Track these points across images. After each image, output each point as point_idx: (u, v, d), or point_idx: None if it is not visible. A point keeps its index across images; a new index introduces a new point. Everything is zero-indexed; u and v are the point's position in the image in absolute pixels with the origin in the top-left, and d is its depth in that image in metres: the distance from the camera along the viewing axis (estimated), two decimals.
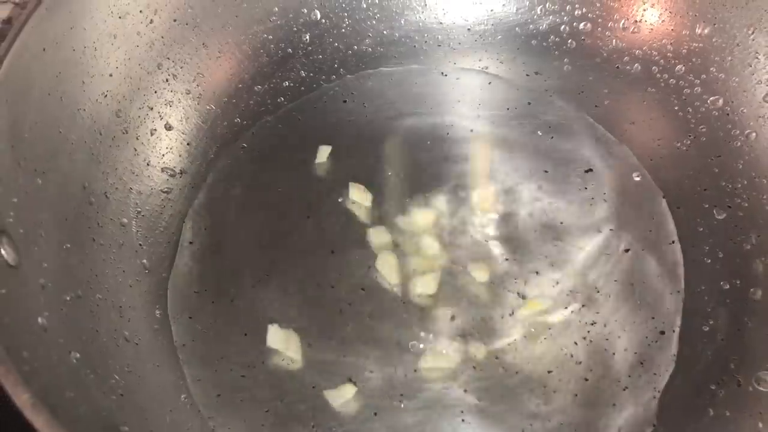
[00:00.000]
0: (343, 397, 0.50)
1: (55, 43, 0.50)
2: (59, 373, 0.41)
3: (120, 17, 0.55)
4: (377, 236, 0.57)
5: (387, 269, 0.55)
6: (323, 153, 0.61)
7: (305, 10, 0.66)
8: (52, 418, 0.32)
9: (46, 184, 0.48)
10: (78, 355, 0.44)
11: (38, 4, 0.48)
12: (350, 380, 0.51)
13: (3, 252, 0.41)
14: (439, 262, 0.56)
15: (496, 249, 0.56)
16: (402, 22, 0.68)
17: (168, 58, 0.60)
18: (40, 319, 0.42)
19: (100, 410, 0.43)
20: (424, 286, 0.54)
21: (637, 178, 0.60)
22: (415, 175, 0.61)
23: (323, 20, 0.67)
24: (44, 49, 0.49)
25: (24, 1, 0.66)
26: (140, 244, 0.56)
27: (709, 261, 0.55)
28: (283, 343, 0.52)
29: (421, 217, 0.58)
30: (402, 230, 0.58)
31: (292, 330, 0.53)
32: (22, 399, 0.32)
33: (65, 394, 0.40)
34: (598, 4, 0.66)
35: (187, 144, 0.61)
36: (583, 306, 0.54)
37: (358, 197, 0.59)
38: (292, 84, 0.66)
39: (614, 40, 0.65)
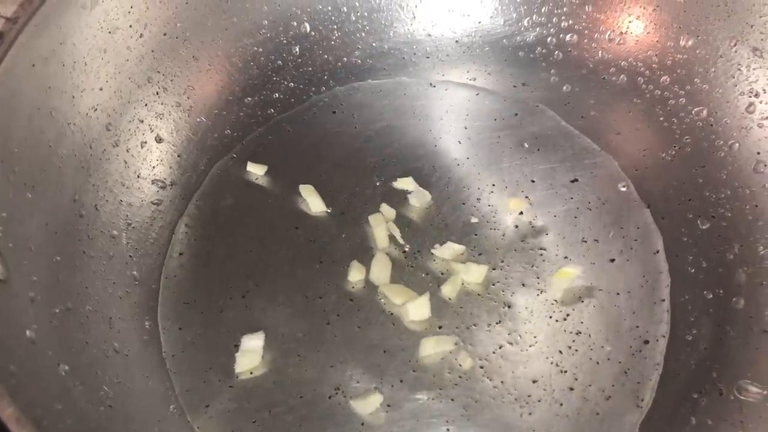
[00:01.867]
0: (371, 406, 0.50)
1: (45, 58, 0.50)
2: (47, 386, 0.42)
3: (110, 32, 0.56)
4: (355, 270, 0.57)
5: (379, 270, 0.56)
6: (256, 168, 0.62)
7: (295, 23, 0.67)
8: (37, 431, 0.32)
9: (36, 197, 0.49)
10: (67, 367, 0.45)
11: (28, 19, 0.49)
12: (376, 389, 0.51)
13: None
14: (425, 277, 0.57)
15: (482, 259, 0.57)
16: (391, 34, 0.69)
17: (158, 72, 0.61)
18: (28, 332, 0.43)
19: (89, 422, 0.44)
20: (416, 312, 0.54)
21: (623, 189, 0.61)
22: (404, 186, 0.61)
23: (313, 33, 0.68)
24: (34, 65, 0.49)
25: (15, 17, 0.67)
26: (130, 256, 0.56)
27: (693, 271, 0.55)
28: (249, 346, 0.53)
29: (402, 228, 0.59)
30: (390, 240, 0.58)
31: (261, 355, 0.53)
32: (6, 413, 0.32)
33: (53, 406, 0.40)
34: (584, 16, 0.66)
35: (178, 156, 0.62)
36: (568, 315, 0.54)
37: (311, 200, 0.60)
38: (281, 96, 0.67)
39: (600, 52, 0.66)
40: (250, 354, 0.53)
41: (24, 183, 0.48)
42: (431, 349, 0.52)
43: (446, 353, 0.53)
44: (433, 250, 0.57)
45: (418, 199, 0.60)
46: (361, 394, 0.51)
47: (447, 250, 0.57)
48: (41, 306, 0.46)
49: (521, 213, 0.59)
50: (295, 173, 0.62)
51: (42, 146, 0.50)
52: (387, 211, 0.59)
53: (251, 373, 0.52)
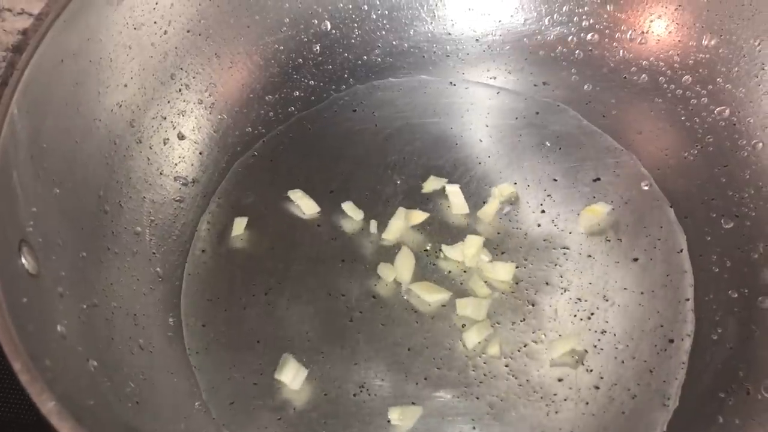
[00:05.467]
0: (408, 418, 0.50)
1: (73, 54, 0.50)
2: (79, 381, 0.42)
3: (135, 28, 0.56)
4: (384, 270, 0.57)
5: (402, 266, 0.56)
6: (239, 225, 0.59)
7: (316, 21, 0.67)
8: (78, 425, 0.32)
9: (63, 193, 0.49)
10: (95, 363, 0.45)
11: (57, 16, 0.49)
12: (413, 403, 0.51)
13: (24, 261, 0.41)
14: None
15: (506, 258, 0.57)
16: (411, 32, 0.69)
17: (181, 69, 0.61)
18: (59, 327, 0.43)
19: (118, 417, 0.44)
20: (474, 311, 0.54)
21: (645, 188, 0.60)
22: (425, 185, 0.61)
23: (333, 31, 0.68)
24: (62, 61, 0.49)
25: (43, 13, 0.67)
26: (154, 253, 0.56)
27: (717, 270, 0.55)
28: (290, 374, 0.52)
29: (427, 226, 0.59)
30: (408, 238, 0.58)
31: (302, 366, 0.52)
32: (47, 407, 0.32)
33: (86, 401, 0.40)
34: (605, 15, 0.66)
35: (200, 153, 0.62)
36: (592, 314, 0.54)
37: (303, 203, 0.60)
38: (302, 94, 0.67)
39: (621, 51, 0.66)
40: (291, 376, 0.52)
41: (52, 179, 0.48)
42: (476, 338, 0.52)
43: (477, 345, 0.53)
44: (444, 250, 0.57)
45: (455, 207, 0.60)
46: (393, 399, 0.51)
47: (457, 251, 0.57)
48: (70, 301, 0.46)
49: (543, 212, 0.59)
50: (316, 171, 0.62)
51: (69, 142, 0.50)
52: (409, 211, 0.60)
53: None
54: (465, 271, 0.57)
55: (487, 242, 0.58)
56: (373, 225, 0.59)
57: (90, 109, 0.52)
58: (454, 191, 0.60)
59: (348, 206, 0.59)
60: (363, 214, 0.59)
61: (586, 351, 0.52)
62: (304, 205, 0.60)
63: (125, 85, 0.56)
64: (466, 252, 0.57)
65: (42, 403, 0.32)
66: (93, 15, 0.52)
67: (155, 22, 0.57)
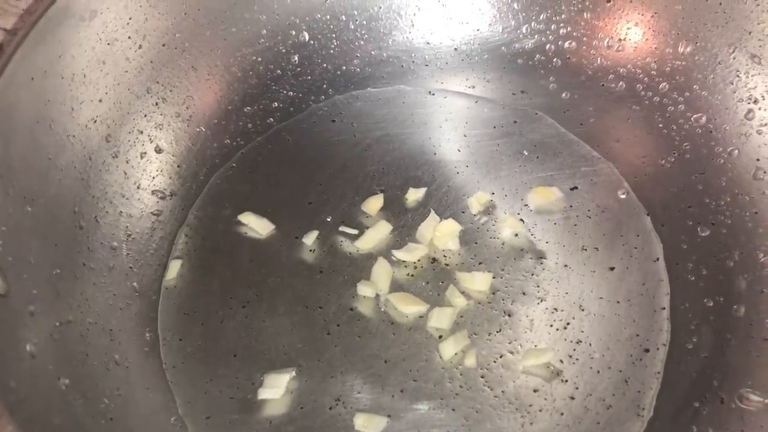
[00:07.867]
0: (373, 427, 0.50)
1: (44, 71, 0.50)
2: (47, 400, 0.42)
3: (109, 44, 0.56)
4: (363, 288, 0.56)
5: (379, 277, 0.56)
6: (173, 268, 0.58)
7: (294, 32, 0.67)
8: None
9: (36, 211, 0.49)
10: (67, 381, 0.45)
11: (27, 32, 0.49)
12: (388, 416, 0.51)
13: None
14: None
15: (482, 268, 0.57)
16: (389, 42, 0.69)
17: (157, 82, 0.61)
18: (28, 347, 0.43)
19: None
20: (438, 321, 0.54)
21: (622, 196, 0.61)
22: (404, 195, 0.61)
23: (312, 41, 0.68)
24: (33, 78, 0.49)
25: (14, 29, 0.67)
26: (130, 267, 0.56)
27: (693, 278, 0.55)
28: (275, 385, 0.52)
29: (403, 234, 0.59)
30: (385, 251, 0.58)
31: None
32: (6, 431, 0.32)
33: (53, 421, 0.40)
34: (582, 23, 0.66)
35: (178, 166, 0.62)
36: (568, 324, 0.54)
37: (256, 225, 0.60)
38: (281, 105, 0.67)
39: (599, 59, 0.66)
40: (274, 383, 0.52)
41: (23, 197, 0.48)
42: (452, 349, 0.52)
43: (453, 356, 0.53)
44: (395, 253, 0.57)
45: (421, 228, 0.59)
46: (368, 412, 0.51)
47: (409, 253, 0.57)
48: (41, 319, 0.46)
49: (520, 221, 0.59)
50: (295, 182, 0.63)
51: (41, 159, 0.50)
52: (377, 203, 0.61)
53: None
54: (442, 282, 0.57)
55: (464, 251, 0.58)
56: (350, 236, 0.59)
57: (63, 125, 0.52)
58: (432, 218, 0.59)
59: (308, 237, 0.59)
60: (318, 233, 0.59)
61: (561, 361, 0.52)
62: (257, 226, 0.60)
63: (100, 101, 0.56)
64: (437, 233, 0.57)
65: (1, 427, 0.32)
66: (64, 31, 0.52)
67: (129, 37, 0.57)
